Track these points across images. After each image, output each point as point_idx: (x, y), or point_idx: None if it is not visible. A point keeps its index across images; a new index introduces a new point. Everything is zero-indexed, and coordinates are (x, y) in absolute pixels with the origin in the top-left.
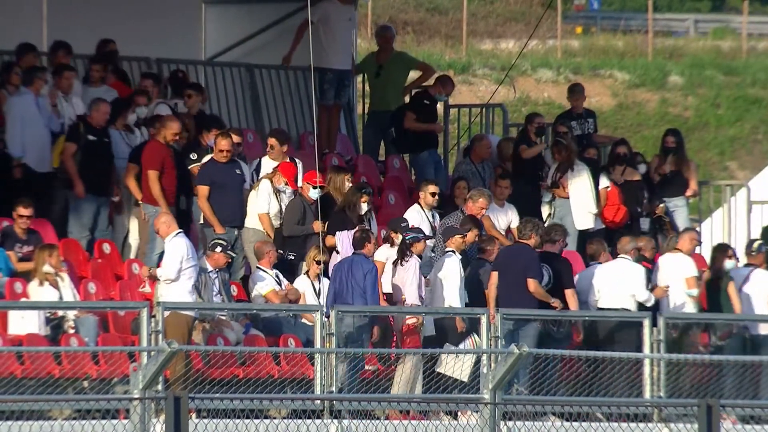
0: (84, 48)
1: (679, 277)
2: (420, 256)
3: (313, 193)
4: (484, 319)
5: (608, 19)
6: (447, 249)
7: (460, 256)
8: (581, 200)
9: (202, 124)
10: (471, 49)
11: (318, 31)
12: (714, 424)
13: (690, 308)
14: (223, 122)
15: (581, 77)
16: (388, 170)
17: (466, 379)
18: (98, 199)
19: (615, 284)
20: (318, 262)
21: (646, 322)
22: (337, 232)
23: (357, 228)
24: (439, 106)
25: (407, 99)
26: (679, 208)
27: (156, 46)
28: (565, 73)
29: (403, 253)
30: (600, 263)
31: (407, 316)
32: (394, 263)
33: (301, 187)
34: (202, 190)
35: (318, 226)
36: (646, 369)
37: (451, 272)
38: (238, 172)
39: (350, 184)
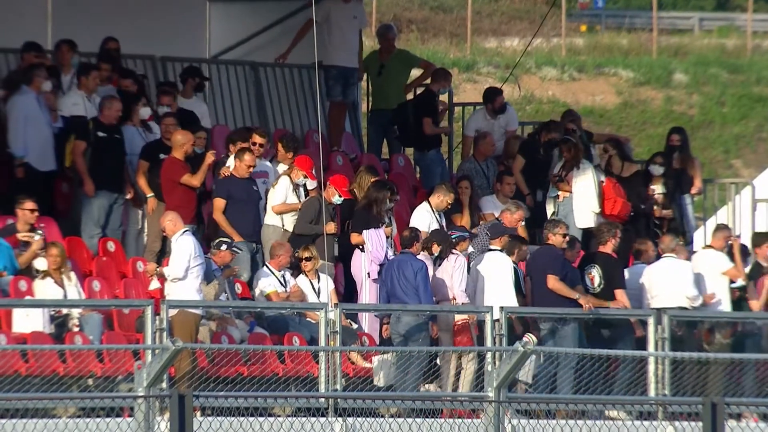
0: (89, 46)
1: (714, 273)
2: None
3: (337, 200)
4: (488, 318)
5: (613, 17)
6: (492, 247)
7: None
8: (584, 199)
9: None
10: (475, 48)
11: (321, 30)
12: (718, 423)
13: (726, 305)
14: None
15: (585, 75)
16: (393, 168)
17: (530, 380)
18: (110, 196)
19: (666, 284)
20: (308, 259)
21: (651, 320)
22: (365, 231)
23: (406, 228)
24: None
25: (409, 96)
26: (683, 207)
27: (161, 44)
28: (570, 71)
29: (446, 251)
30: (645, 263)
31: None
32: (435, 261)
33: (326, 189)
34: (219, 202)
35: (332, 227)
36: (651, 367)
37: (503, 270)
38: (255, 188)
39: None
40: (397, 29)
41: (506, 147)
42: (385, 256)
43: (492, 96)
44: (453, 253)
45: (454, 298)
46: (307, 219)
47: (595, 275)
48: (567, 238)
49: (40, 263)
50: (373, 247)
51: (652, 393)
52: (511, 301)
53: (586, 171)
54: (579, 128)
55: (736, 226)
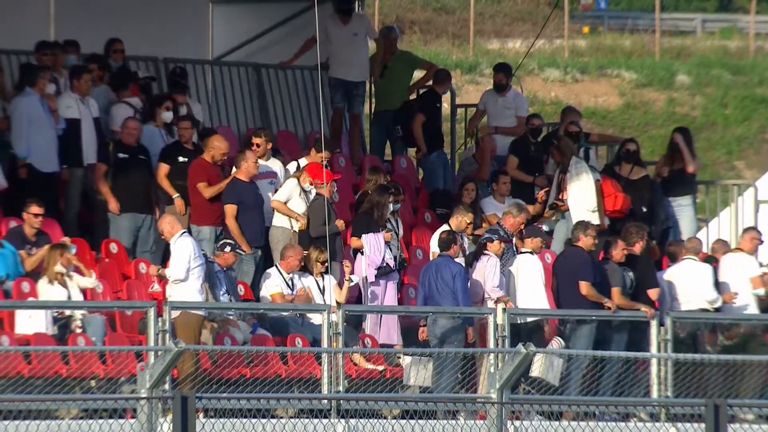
0: (92, 47)
1: (742, 276)
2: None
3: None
4: (491, 319)
5: (615, 18)
6: (524, 250)
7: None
8: (581, 198)
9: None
10: (478, 49)
11: (322, 42)
12: (721, 424)
13: (753, 309)
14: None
15: (588, 76)
16: (395, 170)
17: (557, 383)
18: (136, 218)
19: (686, 286)
20: (322, 262)
21: (654, 322)
22: (363, 235)
23: (444, 230)
24: (445, 105)
25: (413, 97)
26: (684, 208)
27: (163, 45)
28: (572, 72)
29: (478, 253)
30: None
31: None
32: (468, 263)
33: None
34: (230, 209)
35: (341, 224)
36: (653, 368)
37: (534, 272)
38: (259, 192)
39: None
40: (399, 30)
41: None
42: (383, 259)
43: (496, 70)
44: (485, 254)
45: (488, 298)
46: (320, 221)
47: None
48: (596, 240)
49: (60, 266)
50: (371, 251)
51: (654, 395)
52: (542, 303)
53: (580, 171)
54: (579, 127)
55: (739, 227)
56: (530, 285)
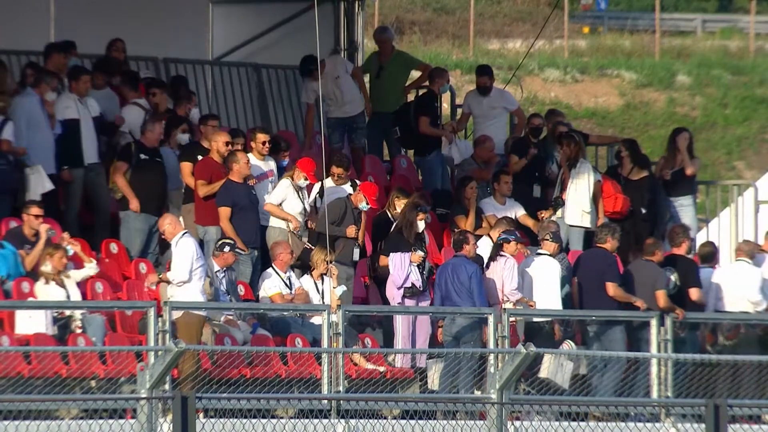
0: (91, 48)
1: None
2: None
3: (363, 206)
4: (491, 319)
5: (615, 18)
6: (540, 251)
7: (557, 260)
8: (578, 198)
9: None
10: (478, 49)
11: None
12: (721, 424)
13: None
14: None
15: (588, 77)
16: (395, 170)
17: (566, 386)
18: (150, 219)
19: (734, 287)
20: (327, 263)
21: (654, 322)
22: (391, 254)
23: (455, 232)
24: (445, 105)
25: (410, 98)
26: (684, 208)
27: (163, 46)
28: (572, 72)
29: (495, 253)
30: (711, 266)
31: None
32: (486, 264)
33: (355, 194)
34: (224, 211)
35: (352, 231)
36: (654, 369)
37: (551, 275)
38: (253, 192)
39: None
40: (399, 31)
41: (506, 147)
42: (406, 278)
43: (479, 73)
44: (501, 255)
45: (506, 300)
46: (330, 220)
47: (671, 277)
48: (618, 244)
49: (47, 267)
50: (394, 270)
51: (654, 395)
52: (556, 305)
53: (583, 172)
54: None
55: (739, 228)
56: (547, 287)
